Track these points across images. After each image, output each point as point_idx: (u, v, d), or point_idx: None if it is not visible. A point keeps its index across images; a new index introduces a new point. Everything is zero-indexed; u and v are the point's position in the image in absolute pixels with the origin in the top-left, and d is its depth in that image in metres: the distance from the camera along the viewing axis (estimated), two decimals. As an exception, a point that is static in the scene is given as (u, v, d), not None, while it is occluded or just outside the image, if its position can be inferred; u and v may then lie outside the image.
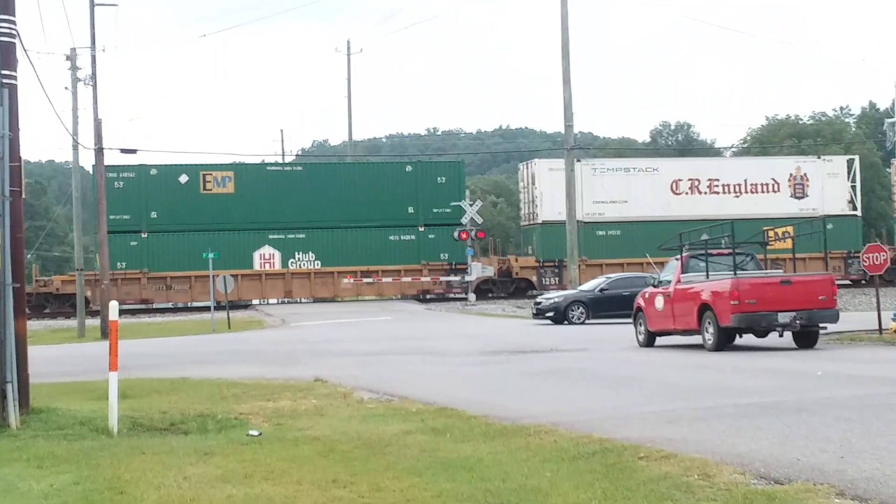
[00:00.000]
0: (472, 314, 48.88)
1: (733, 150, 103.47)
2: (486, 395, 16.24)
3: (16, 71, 13.79)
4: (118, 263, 52.90)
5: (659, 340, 26.70)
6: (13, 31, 13.67)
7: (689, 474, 8.91)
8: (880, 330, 27.10)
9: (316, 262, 57.10)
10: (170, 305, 57.39)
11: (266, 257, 56.73)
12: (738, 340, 24.71)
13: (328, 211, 56.47)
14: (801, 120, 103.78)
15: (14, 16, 13.69)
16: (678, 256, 26.50)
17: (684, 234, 27.48)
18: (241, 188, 56.98)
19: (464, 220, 55.55)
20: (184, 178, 56.59)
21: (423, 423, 12.75)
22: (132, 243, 54.79)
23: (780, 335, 24.18)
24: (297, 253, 56.95)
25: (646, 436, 11.06)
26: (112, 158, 47.33)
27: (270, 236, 56.55)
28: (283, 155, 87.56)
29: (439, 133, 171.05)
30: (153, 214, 55.62)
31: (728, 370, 18.97)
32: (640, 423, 12.18)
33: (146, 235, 55.19)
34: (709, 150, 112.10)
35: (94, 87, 43.24)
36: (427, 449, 10.84)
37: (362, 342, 30.72)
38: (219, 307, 44.15)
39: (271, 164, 63.90)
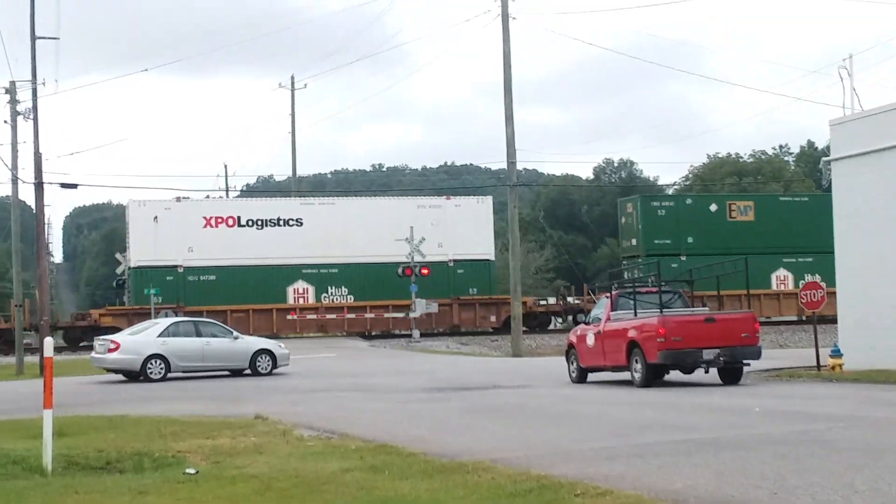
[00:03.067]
0: (415, 351, 48.82)
1: (676, 187, 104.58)
2: (426, 431, 16.22)
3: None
4: None
5: (591, 377, 26.95)
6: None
7: (624, 511, 8.95)
8: (818, 366, 27.43)
9: None
10: None
11: None
12: (667, 377, 25.10)
13: None
14: (742, 158, 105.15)
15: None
16: (608, 294, 26.91)
17: (614, 272, 27.92)
18: (760, 217, 60.53)
19: (408, 257, 55.52)
20: (714, 207, 60.87)
21: (363, 460, 12.71)
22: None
23: (706, 371, 24.61)
24: None
25: (583, 472, 11.10)
26: (52, 194, 46.88)
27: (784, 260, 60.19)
28: (227, 190, 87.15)
29: (384, 169, 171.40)
30: (689, 240, 59.24)
31: (663, 406, 19.13)
32: (578, 460, 12.24)
33: (685, 258, 56.99)
34: (651, 188, 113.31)
35: (35, 120, 42.81)
36: (365, 487, 10.80)
37: (303, 378, 30.55)
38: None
39: (784, 195, 70.73)
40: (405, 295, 54.87)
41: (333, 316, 57.38)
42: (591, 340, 26.20)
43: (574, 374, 27.09)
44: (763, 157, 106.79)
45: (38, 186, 42.43)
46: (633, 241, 60.01)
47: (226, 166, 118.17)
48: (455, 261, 59.28)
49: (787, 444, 12.96)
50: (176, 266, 56.04)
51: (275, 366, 33.32)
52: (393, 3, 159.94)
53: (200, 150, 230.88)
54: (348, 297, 57.89)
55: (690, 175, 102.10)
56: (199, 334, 33.19)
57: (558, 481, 10.50)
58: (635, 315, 25.29)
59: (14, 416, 19.82)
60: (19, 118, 43.64)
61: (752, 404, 18.77)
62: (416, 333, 55.05)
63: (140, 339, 32.58)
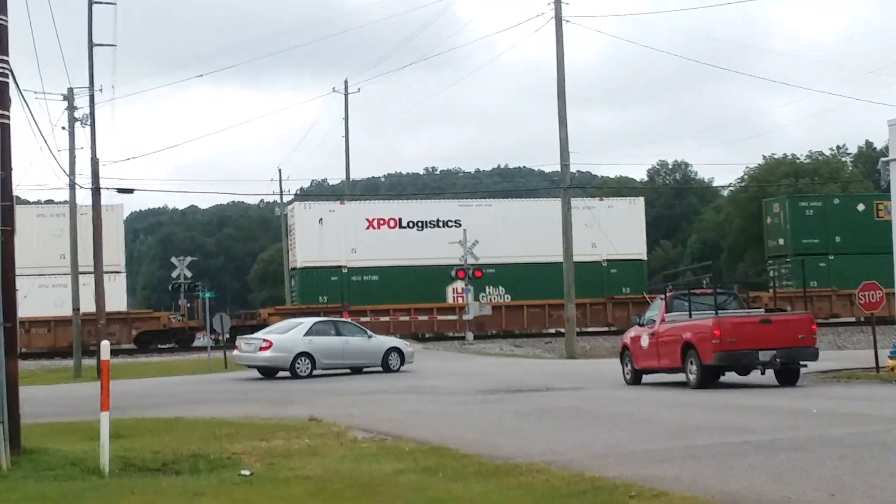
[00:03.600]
0: (469, 353, 48.78)
1: (731, 188, 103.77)
2: (479, 434, 16.20)
3: (9, 110, 13.83)
4: None
5: (645, 378, 26.82)
6: (6, 71, 13.73)
7: (679, 513, 8.88)
8: (877, 368, 27.09)
9: None
10: None
11: None
12: (722, 378, 24.92)
13: None
14: (798, 159, 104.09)
15: (7, 55, 13.74)
16: (663, 296, 26.82)
17: (668, 274, 27.79)
18: None
19: (460, 260, 55.54)
20: (861, 207, 62.25)
21: (416, 462, 12.72)
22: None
23: (762, 373, 24.38)
24: None
25: (638, 474, 11.03)
26: (109, 199, 47.35)
27: None
28: (281, 194, 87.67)
29: (437, 172, 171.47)
30: (837, 239, 60.73)
31: (719, 408, 18.97)
32: (632, 462, 12.16)
33: (832, 257, 59.57)
34: (706, 189, 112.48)
35: (93, 126, 43.31)
36: (418, 488, 10.81)
37: (357, 381, 30.64)
38: (216, 346, 44.06)
39: None
40: (558, 294, 54.58)
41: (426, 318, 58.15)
42: (645, 342, 26.11)
43: (628, 376, 27.01)
44: (820, 157, 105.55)
45: (96, 191, 42.94)
46: (781, 241, 61.62)
47: (280, 170, 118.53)
48: (608, 261, 59.98)
49: (845, 445, 12.80)
50: (340, 267, 57.39)
51: (402, 363, 35.05)
52: (446, 8, 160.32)
53: (255, 155, 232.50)
54: (505, 296, 58.85)
55: (746, 176, 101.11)
56: (338, 333, 35.00)
57: (613, 483, 10.45)
58: (690, 316, 25.13)
59: (71, 418, 20.04)
60: (77, 124, 44.18)
61: (810, 406, 18.56)
62: (469, 336, 54.99)
63: (289, 338, 33.96)
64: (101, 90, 44.10)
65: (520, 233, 58.89)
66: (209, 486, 11.39)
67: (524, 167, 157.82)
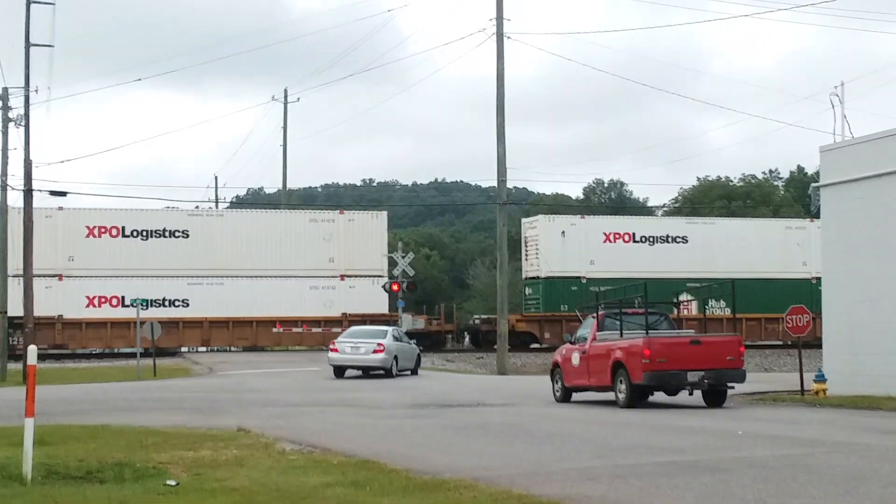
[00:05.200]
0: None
1: (665, 209, 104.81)
2: (409, 448, 16.20)
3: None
4: None
5: (575, 396, 26.99)
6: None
7: (604, 532, 8.95)
8: (802, 391, 27.49)
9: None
10: None
11: None
12: (651, 398, 25.17)
13: None
14: (732, 182, 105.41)
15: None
16: (594, 314, 27.02)
17: (600, 293, 27.98)
18: None
19: (395, 272, 55.55)
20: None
21: (344, 475, 12.68)
22: None
23: (690, 393, 24.67)
24: None
25: (565, 492, 11.10)
26: (41, 201, 46.69)
27: None
28: (217, 201, 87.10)
29: (375, 184, 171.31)
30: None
31: (647, 428, 19.15)
32: (560, 480, 12.23)
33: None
34: (641, 209, 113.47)
35: (27, 127, 42.80)
36: (346, 502, 10.78)
37: (289, 392, 30.51)
38: (145, 354, 43.63)
39: None
40: (779, 308, 55.41)
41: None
42: (576, 360, 26.27)
43: (558, 394, 27.17)
44: (753, 181, 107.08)
45: (28, 193, 42.37)
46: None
47: (216, 178, 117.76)
48: (818, 279, 60.44)
49: (768, 468, 12.97)
50: (580, 277, 59.29)
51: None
52: (388, 20, 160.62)
53: (192, 162, 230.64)
54: (725, 309, 59.00)
55: (680, 197, 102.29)
56: (400, 339, 41.01)
57: (539, 500, 10.50)
58: (621, 336, 25.33)
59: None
60: (11, 125, 43.59)
61: (735, 427, 18.80)
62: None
63: (388, 343, 39.29)
64: (36, 91, 43.62)
65: (735, 249, 61.44)
66: (134, 495, 11.27)
67: (461, 181, 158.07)
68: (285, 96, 77.06)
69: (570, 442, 16.90)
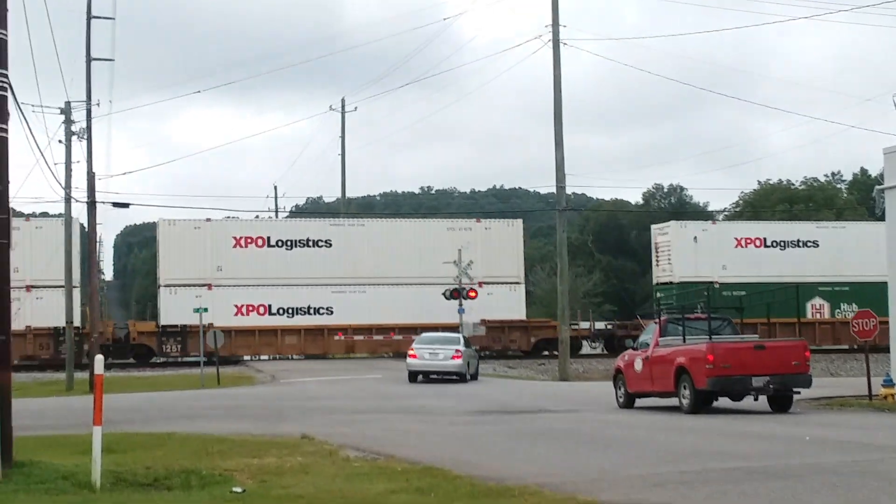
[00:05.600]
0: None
1: (726, 213, 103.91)
2: (473, 455, 16.17)
3: (7, 124, 13.83)
4: None
5: (638, 402, 26.81)
6: (5, 84, 13.73)
7: (672, 538, 8.87)
8: (870, 395, 27.10)
9: None
10: None
11: None
12: (715, 403, 24.92)
13: None
14: (794, 185, 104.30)
15: (6, 69, 13.75)
16: (657, 319, 26.85)
17: (661, 299, 27.82)
18: None
19: (455, 280, 55.48)
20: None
21: (409, 482, 12.68)
22: None
23: (755, 399, 24.38)
24: None
25: (630, 499, 11.01)
26: (104, 213, 47.28)
27: None
28: (276, 211, 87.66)
29: (433, 192, 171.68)
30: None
31: (712, 433, 18.96)
32: (625, 486, 12.14)
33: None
34: (701, 213, 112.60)
35: (89, 140, 43.37)
36: (411, 509, 10.78)
37: (351, 400, 30.61)
38: (209, 362, 43.99)
39: None
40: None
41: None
42: (638, 366, 26.11)
43: (621, 400, 27.00)
44: (815, 184, 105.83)
45: (91, 205, 42.95)
46: None
47: (276, 187, 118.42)
48: None
49: (837, 473, 12.79)
50: (712, 281, 58.84)
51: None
52: (444, 28, 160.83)
53: (251, 172, 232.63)
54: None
55: (741, 201, 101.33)
56: (468, 345, 43.30)
57: (605, 507, 10.43)
58: (684, 341, 25.15)
59: (63, 431, 19.98)
60: (73, 138, 44.18)
61: (803, 433, 18.56)
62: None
63: (463, 350, 41.19)
64: (98, 104, 44.17)
65: (872, 252, 59.87)
66: (201, 502, 11.36)
67: (520, 188, 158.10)
68: (343, 106, 77.40)
69: (634, 448, 16.77)
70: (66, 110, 44.26)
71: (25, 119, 17.42)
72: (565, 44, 49.26)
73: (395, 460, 15.19)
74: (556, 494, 11.37)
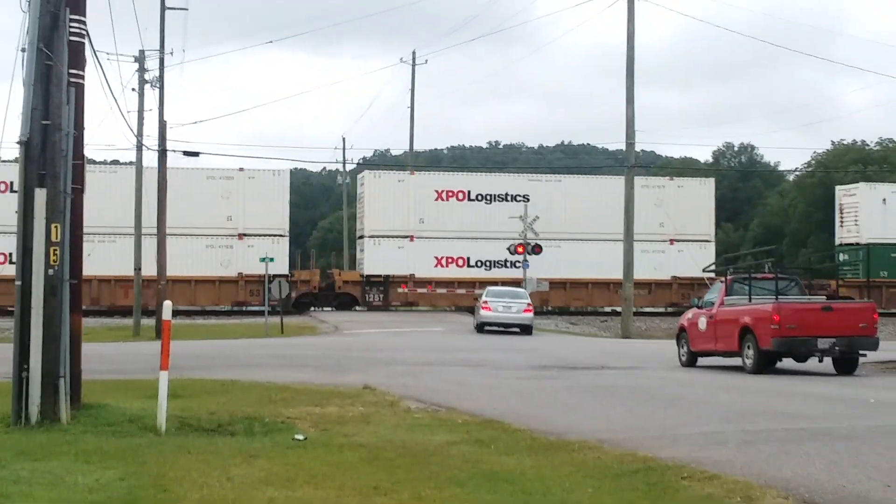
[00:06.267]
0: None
1: (797, 173, 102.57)
2: (532, 409, 16.21)
3: (83, 70, 13.97)
4: None
5: (700, 361, 26.68)
6: (83, 31, 13.85)
7: (731, 496, 8.84)
8: (938, 360, 26.72)
9: None
10: None
11: None
12: (778, 364, 24.72)
13: None
14: (868, 146, 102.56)
15: (84, 16, 13.85)
16: (723, 279, 26.65)
17: (728, 257, 27.52)
18: None
19: (519, 235, 55.42)
20: None
21: (469, 434, 12.76)
22: None
23: (820, 361, 24.11)
24: None
25: (691, 456, 10.98)
26: (174, 161, 47.66)
27: None
28: (344, 163, 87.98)
29: (501, 147, 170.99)
30: None
31: (775, 394, 18.83)
32: (686, 444, 12.11)
33: None
34: (772, 173, 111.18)
35: (161, 89, 43.77)
36: (471, 460, 10.84)
37: (413, 351, 30.77)
38: (273, 312, 44.46)
39: None
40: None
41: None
42: (703, 325, 25.96)
43: (684, 358, 26.88)
44: (890, 145, 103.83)
45: (162, 154, 43.39)
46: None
47: (344, 139, 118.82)
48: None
49: (902, 437, 12.65)
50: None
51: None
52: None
53: (320, 123, 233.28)
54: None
55: (813, 161, 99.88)
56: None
57: (665, 464, 10.42)
58: (750, 301, 24.94)
59: (130, 375, 20.34)
60: (146, 86, 44.61)
61: (868, 395, 18.37)
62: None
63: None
64: (171, 53, 44.64)
65: None
66: (264, 448, 11.51)
67: (588, 144, 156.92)
68: (413, 58, 77.30)
69: (696, 406, 16.71)
70: (140, 59, 44.71)
71: (101, 66, 17.53)
72: (638, -2, 48.70)
73: (456, 412, 15.28)
74: (615, 450, 11.37)
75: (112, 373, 20.70)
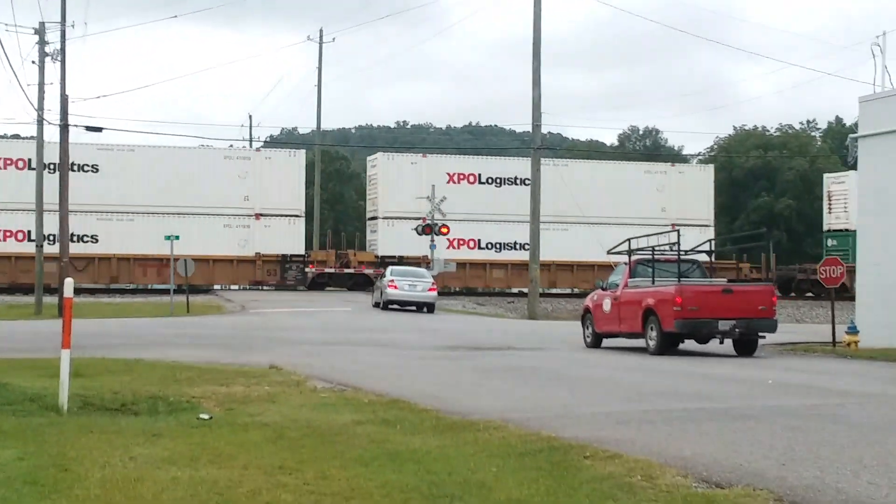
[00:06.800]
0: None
1: (700, 157, 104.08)
2: (439, 389, 16.29)
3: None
4: None
5: (605, 342, 27.04)
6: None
7: (632, 475, 9.00)
8: (834, 342, 27.42)
9: None
10: None
11: None
12: (681, 346, 25.20)
13: None
14: (769, 131, 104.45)
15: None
16: (626, 261, 26.99)
17: (633, 240, 27.88)
18: None
19: (427, 215, 55.58)
20: None
21: (375, 414, 12.79)
22: None
23: (721, 342, 24.64)
24: None
25: (594, 435, 11.15)
26: (76, 136, 46.89)
27: None
28: (251, 140, 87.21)
29: (408, 127, 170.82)
30: None
31: (677, 375, 19.18)
32: (589, 423, 12.28)
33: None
34: (676, 157, 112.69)
35: (63, 62, 42.93)
36: (376, 440, 10.88)
37: (320, 332, 30.71)
38: (178, 290, 44.00)
39: None
40: None
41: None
42: (607, 306, 26.29)
43: (589, 339, 27.22)
44: (790, 131, 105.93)
45: (64, 128, 42.59)
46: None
47: (251, 117, 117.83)
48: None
49: (798, 416, 12.97)
50: None
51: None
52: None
53: (226, 100, 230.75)
54: None
55: (715, 146, 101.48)
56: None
57: (568, 443, 10.56)
58: (653, 283, 25.32)
59: (31, 354, 19.98)
60: (47, 59, 43.69)
61: (766, 376, 18.80)
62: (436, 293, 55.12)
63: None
64: (73, 26, 43.90)
65: None
66: (168, 427, 11.43)
67: (495, 126, 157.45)
68: (321, 36, 76.79)
69: (599, 387, 16.96)
70: (41, 31, 43.75)
71: (-2, 39, 17.17)
72: (546, -19, 48.97)
73: (362, 392, 15.30)
74: (520, 429, 11.49)
75: (13, 351, 20.38)
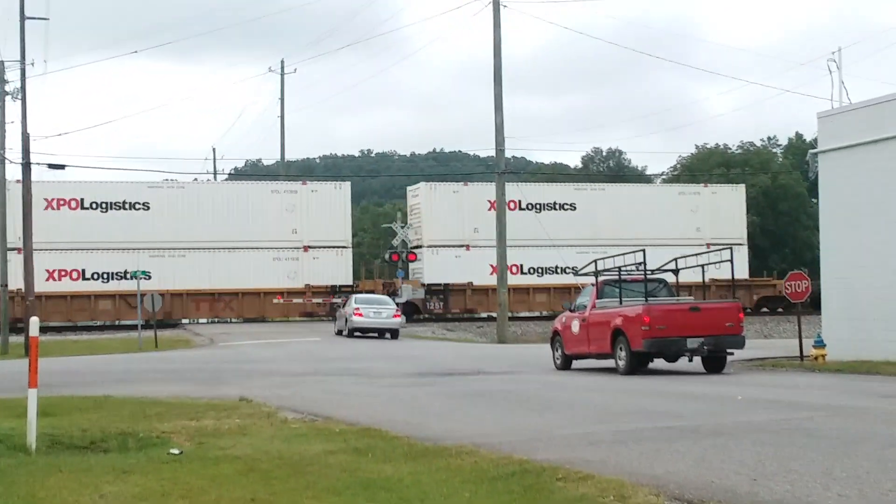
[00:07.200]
0: (401, 337, 48.85)
1: (664, 177, 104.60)
2: (410, 416, 16.28)
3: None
4: None
5: (575, 364, 27.11)
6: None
7: (605, 495, 9.02)
8: (801, 357, 27.58)
9: None
10: None
11: None
12: (650, 365, 25.31)
13: None
14: (730, 149, 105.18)
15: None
16: (594, 282, 27.09)
17: (600, 261, 27.99)
18: None
19: (395, 242, 55.60)
20: None
21: (346, 443, 12.76)
22: None
23: (690, 360, 24.76)
24: None
25: (565, 457, 11.17)
26: (39, 174, 46.70)
27: None
28: (215, 173, 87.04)
29: (373, 155, 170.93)
30: None
31: (647, 394, 19.25)
32: (560, 445, 12.31)
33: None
34: (639, 177, 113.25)
35: (24, 100, 42.76)
36: (348, 469, 10.85)
37: (289, 362, 30.61)
38: (146, 325, 43.74)
39: None
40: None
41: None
42: (576, 328, 26.36)
43: (559, 361, 27.28)
44: (751, 148, 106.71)
45: (26, 167, 42.34)
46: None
47: (214, 150, 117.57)
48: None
49: (767, 432, 13.05)
50: None
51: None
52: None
53: (189, 134, 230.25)
54: None
55: (678, 165, 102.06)
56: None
57: (540, 466, 10.57)
58: (620, 303, 25.42)
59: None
60: (7, 98, 43.52)
61: (735, 393, 18.90)
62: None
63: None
64: (32, 64, 43.79)
65: None
66: (138, 464, 11.35)
67: (459, 151, 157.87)
68: (282, 67, 76.84)
69: (570, 408, 16.99)
70: (0, 69, 43.57)
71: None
72: (505, 6, 49.40)
73: (333, 421, 15.26)
74: (492, 454, 11.50)
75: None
